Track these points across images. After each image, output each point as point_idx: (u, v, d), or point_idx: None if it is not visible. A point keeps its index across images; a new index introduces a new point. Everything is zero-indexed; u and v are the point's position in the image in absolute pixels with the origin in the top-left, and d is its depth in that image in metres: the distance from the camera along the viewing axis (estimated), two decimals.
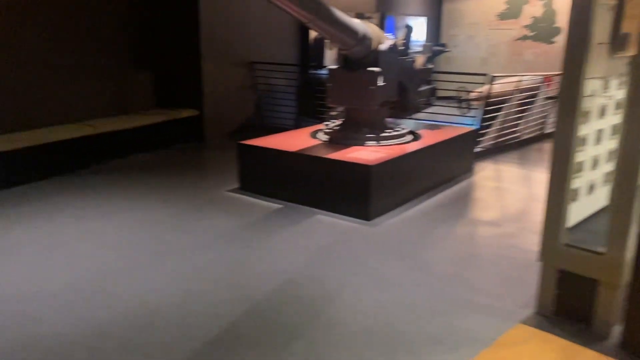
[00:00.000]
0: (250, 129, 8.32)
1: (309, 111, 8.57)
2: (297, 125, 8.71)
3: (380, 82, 5.09)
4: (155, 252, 3.87)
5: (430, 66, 5.72)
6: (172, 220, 4.54)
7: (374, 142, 5.20)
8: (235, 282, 3.41)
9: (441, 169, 5.55)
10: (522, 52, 14.31)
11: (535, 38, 14.12)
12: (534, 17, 13.99)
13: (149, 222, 4.49)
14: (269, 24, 8.46)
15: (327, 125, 5.71)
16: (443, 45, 5.90)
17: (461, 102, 7.97)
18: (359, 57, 5.12)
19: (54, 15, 6.14)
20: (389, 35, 5.45)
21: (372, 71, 5.06)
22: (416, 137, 5.66)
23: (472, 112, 7.57)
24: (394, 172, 4.71)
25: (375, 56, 5.13)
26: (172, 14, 7.45)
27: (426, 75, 5.76)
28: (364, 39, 4.96)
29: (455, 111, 7.88)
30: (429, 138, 5.51)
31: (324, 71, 9.09)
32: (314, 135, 5.72)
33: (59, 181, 5.61)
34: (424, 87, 5.72)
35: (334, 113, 8.98)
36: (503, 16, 14.30)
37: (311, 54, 9.65)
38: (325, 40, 10.16)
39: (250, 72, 8.28)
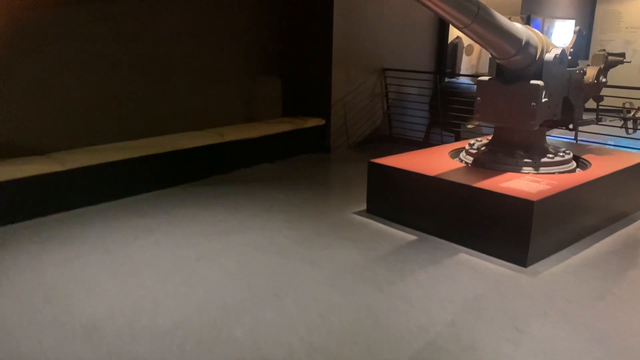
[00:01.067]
0: (378, 139, 7.78)
1: (441, 122, 7.84)
2: (429, 137, 8.01)
3: (544, 98, 4.27)
4: (276, 286, 3.43)
5: (603, 80, 4.76)
6: (294, 246, 4.10)
7: (532, 168, 4.38)
8: (363, 340, 2.84)
9: (613, 205, 4.58)
10: None
11: None
12: None
13: (270, 246, 4.08)
14: (402, 28, 7.85)
15: (471, 144, 4.96)
16: (622, 55, 4.88)
17: (625, 120, 6.79)
18: (519, 67, 4.33)
19: (187, 21, 6.03)
20: (556, 42, 4.60)
21: (535, 85, 4.25)
22: (581, 163, 4.74)
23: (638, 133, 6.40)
24: (560, 209, 3.88)
25: (538, 67, 4.31)
26: (304, 20, 7.10)
27: (596, 90, 4.81)
28: (527, 47, 4.17)
29: (618, 129, 6.72)
30: (599, 166, 4.57)
31: (460, 80, 8.29)
32: (454, 155, 5.02)
33: (182, 190, 5.46)
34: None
35: (471, 126, 8.17)
36: None
37: (446, 60, 8.89)
38: (464, 46, 9.39)
39: (381, 79, 7.73)
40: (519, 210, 3.66)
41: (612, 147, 5.97)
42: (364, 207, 4.90)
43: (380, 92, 7.77)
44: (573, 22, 12.35)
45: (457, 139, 7.57)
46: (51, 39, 4.99)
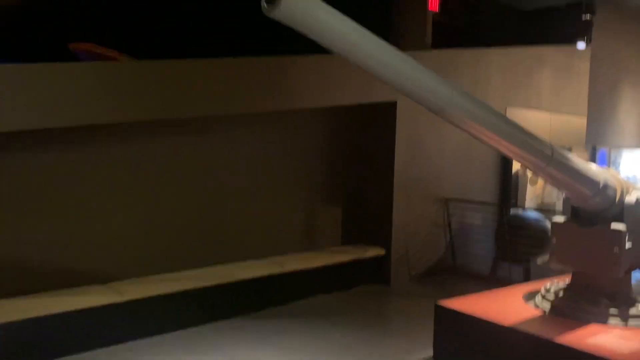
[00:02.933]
0: (441, 272, 7.44)
1: (508, 256, 7.45)
2: (495, 271, 7.60)
3: (628, 244, 3.93)
4: None
5: None
6: None
7: (619, 320, 3.93)
8: None
9: None
10: None
11: None
12: None
13: None
14: (465, 158, 7.81)
15: (547, 288, 4.58)
16: None
17: None
18: (596, 210, 4.07)
19: (246, 148, 6.23)
20: (636, 183, 4.34)
21: (618, 230, 3.95)
22: None
23: None
24: None
25: (619, 210, 4.03)
26: (367, 148, 7.21)
27: None
28: (604, 190, 3.94)
29: None
30: None
31: (528, 213, 8.00)
32: (529, 298, 4.62)
33: (236, 324, 5.27)
34: None
35: (539, 262, 7.73)
36: None
37: (511, 191, 8.69)
38: (528, 176, 9.21)
39: (444, 209, 7.57)
40: None
41: None
42: (429, 352, 4.51)
43: (442, 222, 7.57)
44: None
45: (527, 274, 7.13)
46: (112, 167, 5.20)
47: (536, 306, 4.42)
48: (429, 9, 7.37)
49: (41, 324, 4.29)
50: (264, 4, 1.47)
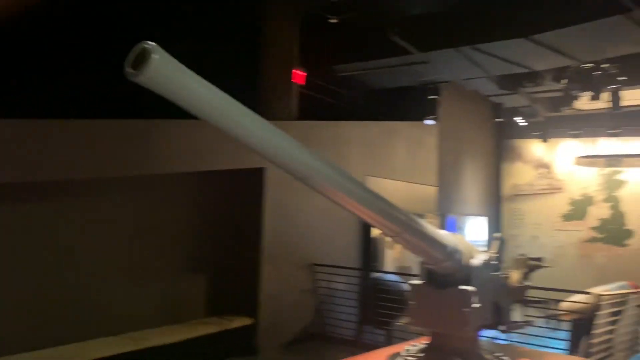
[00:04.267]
0: (309, 338, 7.42)
1: (372, 319, 7.69)
2: (360, 335, 7.77)
3: (476, 304, 4.28)
4: None
5: (526, 284, 4.92)
6: None
7: None
8: None
9: None
10: (592, 254, 13.41)
11: (605, 241, 13.32)
12: (601, 219, 13.36)
13: None
14: (331, 224, 8.08)
15: (407, 350, 4.78)
16: (539, 259, 5.14)
17: (549, 317, 7.00)
18: (448, 272, 4.40)
19: (104, 216, 5.88)
20: (480, 248, 4.80)
21: (466, 290, 4.28)
22: None
23: (562, 329, 6.57)
24: None
25: (467, 272, 4.39)
26: (235, 214, 7.16)
27: (521, 294, 4.92)
28: (454, 253, 4.28)
29: (542, 326, 6.86)
30: None
31: (387, 276, 8.39)
32: None
33: None
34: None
35: (400, 323, 8.08)
36: (567, 217, 13.75)
37: (371, 255, 9.09)
38: (386, 241, 9.72)
39: (311, 274, 7.67)
40: None
41: (542, 348, 5.97)
42: None
43: (310, 288, 7.64)
44: (484, 218, 13.35)
45: (389, 336, 7.39)
46: None
47: None
48: (295, 81, 7.73)
49: None
50: (128, 69, 1.44)
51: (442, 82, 10.07)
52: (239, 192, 7.15)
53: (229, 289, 7.06)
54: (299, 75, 7.73)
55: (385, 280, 8.13)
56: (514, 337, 5.93)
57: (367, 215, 3.64)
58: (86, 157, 5.16)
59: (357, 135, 8.72)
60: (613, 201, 13.25)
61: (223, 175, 6.97)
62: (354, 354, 4.96)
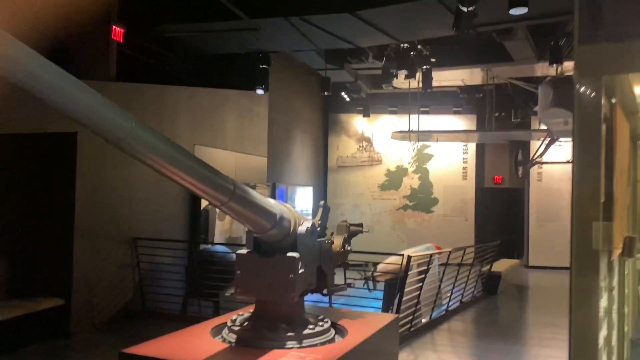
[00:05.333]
0: (130, 316, 6.99)
1: (199, 292, 7.51)
2: (186, 309, 7.54)
3: (301, 269, 4.36)
4: None
5: (348, 248, 5.16)
6: None
7: (295, 342, 4.28)
8: None
9: None
10: (404, 220, 14.77)
11: (415, 207, 14.74)
12: (412, 188, 14.73)
13: None
14: (155, 195, 7.65)
15: (233, 320, 4.72)
16: (360, 225, 5.42)
17: (367, 279, 7.50)
18: (275, 240, 4.41)
19: None
20: (305, 215, 4.89)
21: (292, 257, 4.33)
22: (339, 330, 4.86)
23: (378, 290, 7.10)
24: None
25: (292, 240, 4.45)
26: (41, 185, 6.36)
27: (343, 258, 5.17)
28: (281, 221, 4.30)
29: (360, 287, 7.34)
30: (355, 332, 4.73)
31: (216, 247, 8.25)
32: (216, 333, 4.67)
33: None
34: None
35: (228, 294, 8.00)
36: (384, 187, 14.91)
37: (200, 227, 8.85)
38: (218, 212, 9.54)
39: (132, 249, 7.20)
40: None
41: (361, 308, 6.37)
42: None
43: (131, 263, 7.17)
44: (311, 188, 13.85)
45: (216, 308, 7.29)
46: None
47: (223, 339, 4.50)
48: (113, 39, 7.05)
49: None
50: None
51: (272, 52, 10.05)
52: (48, 160, 6.36)
53: (37, 268, 6.30)
54: (118, 32, 7.06)
55: (213, 252, 7.99)
56: (336, 299, 6.24)
57: (190, 184, 3.44)
58: None
59: (185, 102, 8.32)
60: (422, 172, 14.68)
61: (27, 140, 6.14)
62: (178, 328, 4.78)
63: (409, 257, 6.66)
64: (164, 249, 7.41)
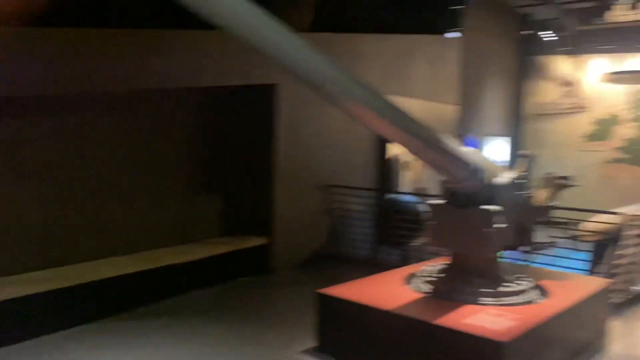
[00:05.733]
0: (323, 259, 7.38)
1: (387, 240, 7.60)
2: (375, 255, 7.70)
3: (498, 224, 4.06)
4: None
5: (553, 203, 4.67)
6: None
7: (491, 298, 4.06)
8: None
9: (577, 336, 4.29)
10: (616, 175, 13.05)
11: (630, 161, 12.90)
12: (627, 139, 12.87)
13: None
14: (345, 144, 7.81)
15: (425, 270, 4.64)
16: (567, 178, 4.86)
17: (573, 238, 6.79)
18: (470, 192, 4.16)
19: (117, 136, 5.66)
20: (505, 166, 4.53)
21: (487, 210, 4.06)
22: (540, 291, 4.48)
23: (583, 249, 6.38)
24: (529, 349, 3.52)
25: (490, 191, 4.15)
26: (245, 134, 6.90)
27: (545, 215, 4.69)
28: (476, 172, 4.02)
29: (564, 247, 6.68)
30: (559, 295, 4.31)
31: (402, 197, 8.20)
32: (409, 281, 4.66)
33: (104, 327, 4.75)
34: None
35: (416, 243, 7.97)
36: (592, 137, 13.28)
37: (387, 176, 8.88)
38: (403, 162, 9.47)
39: (326, 195, 7.51)
40: (486, 351, 3.27)
41: (563, 269, 5.82)
42: (313, 344, 4.37)
43: (325, 209, 7.50)
44: (506, 138, 12.96)
45: (404, 257, 7.31)
46: None
47: (417, 288, 4.46)
48: None
49: None
50: None
51: None
52: (252, 110, 6.85)
53: (243, 210, 6.94)
54: None
55: (401, 201, 7.96)
56: (537, 259, 5.78)
57: (390, 131, 3.35)
58: (81, 70, 4.82)
59: (373, 50, 8.22)
60: None
61: (235, 91, 6.66)
62: (369, 273, 4.85)
63: (627, 217, 5.85)
64: (354, 197, 7.59)
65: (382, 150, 8.65)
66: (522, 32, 10.26)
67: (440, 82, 9.88)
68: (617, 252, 5.85)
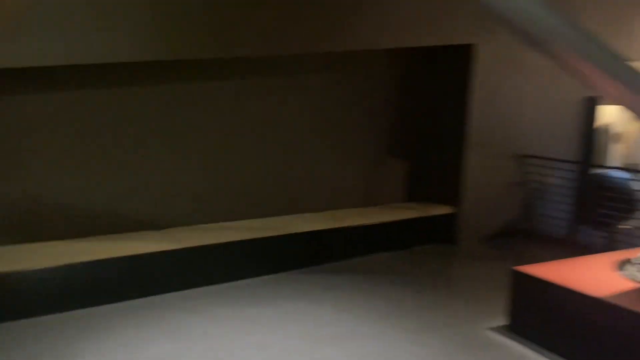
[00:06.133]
0: (514, 235, 6.90)
1: (590, 219, 6.80)
2: (573, 235, 6.97)
3: None
4: None
5: None
6: None
7: None
8: None
9: None
10: None
11: None
12: None
13: None
14: (546, 112, 7.09)
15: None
16: None
17: None
18: None
19: (308, 98, 5.83)
20: None
21: None
22: None
23: None
24: None
25: None
26: (437, 97, 6.64)
27: None
28: None
29: None
30: None
31: (610, 172, 7.24)
32: (622, 267, 4.10)
33: (291, 278, 5.04)
34: None
35: (627, 226, 7.03)
36: None
37: (594, 148, 7.90)
38: (612, 133, 8.34)
39: (521, 166, 6.95)
40: None
41: None
42: (501, 321, 4.11)
43: (518, 181, 6.96)
44: None
45: (611, 240, 6.49)
46: (166, 112, 4.96)
47: (630, 277, 3.91)
48: None
49: (98, 267, 4.20)
50: None
51: None
52: (446, 71, 6.54)
53: (430, 176, 6.76)
54: None
55: (609, 177, 7.04)
56: None
57: (619, 92, 2.89)
58: (284, 30, 4.97)
59: (592, 6, 7.24)
60: None
61: (427, 52, 6.41)
62: (566, 254, 4.37)
63: None
64: (553, 169, 6.90)
65: (589, 118, 7.69)
66: None
67: None
68: None
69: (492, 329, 4.03)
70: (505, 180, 6.83)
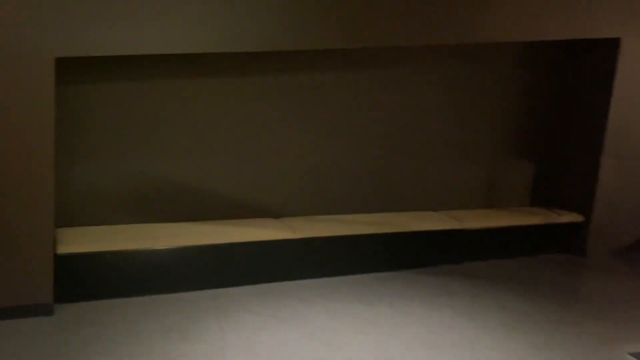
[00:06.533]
0: None
1: None
2: None
3: None
4: None
5: None
6: None
7: None
8: None
9: None
10: None
11: None
12: None
13: None
14: None
15: None
16: None
17: None
18: None
19: (435, 93, 5.58)
20: None
21: None
22: None
23: None
24: None
25: None
26: (573, 94, 6.11)
27: None
28: None
29: None
30: None
31: None
32: None
33: (406, 277, 4.88)
34: None
35: None
36: None
37: None
38: None
39: None
40: None
41: None
42: None
43: None
44: None
45: None
46: (284, 101, 4.94)
47: None
48: None
49: (217, 251, 4.33)
50: None
51: None
52: (583, 68, 6.00)
53: (559, 180, 6.25)
54: None
55: None
56: None
57: None
58: (412, 20, 4.77)
59: None
60: None
61: (561, 47, 5.92)
62: None
63: None
64: None
65: None
66: None
67: None
68: None
69: (634, 354, 3.62)
70: None
